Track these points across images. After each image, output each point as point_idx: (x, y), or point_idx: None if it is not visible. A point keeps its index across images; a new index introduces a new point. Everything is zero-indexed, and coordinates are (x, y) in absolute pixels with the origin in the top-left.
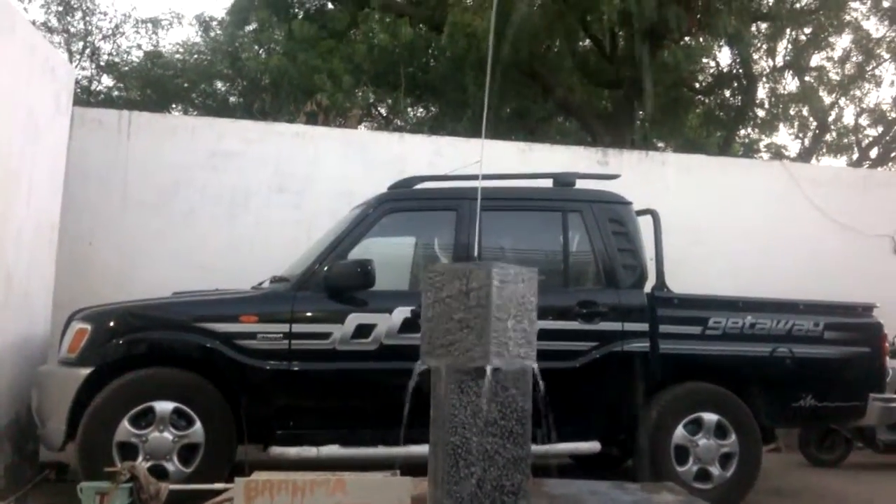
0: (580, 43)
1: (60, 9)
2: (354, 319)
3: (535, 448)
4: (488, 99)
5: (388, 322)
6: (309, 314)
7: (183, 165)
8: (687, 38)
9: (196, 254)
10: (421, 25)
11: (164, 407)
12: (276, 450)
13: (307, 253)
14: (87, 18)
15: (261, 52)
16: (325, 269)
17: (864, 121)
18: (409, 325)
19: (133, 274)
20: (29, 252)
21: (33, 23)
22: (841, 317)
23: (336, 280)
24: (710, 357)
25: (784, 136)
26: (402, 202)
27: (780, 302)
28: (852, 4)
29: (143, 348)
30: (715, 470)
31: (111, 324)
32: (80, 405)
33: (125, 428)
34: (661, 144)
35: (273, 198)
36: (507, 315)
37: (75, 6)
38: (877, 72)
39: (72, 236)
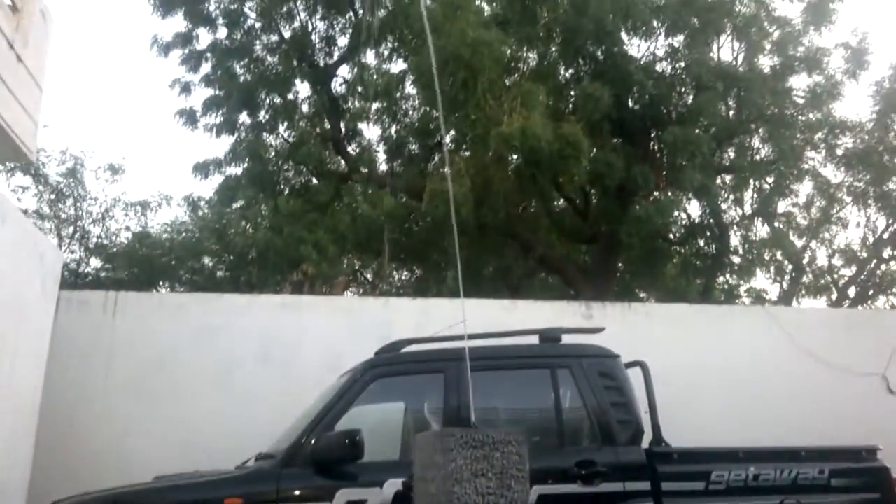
0: (554, 202)
1: (52, 197)
2: (343, 496)
3: None
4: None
5: (379, 497)
6: (296, 493)
7: (168, 343)
8: (656, 193)
9: (181, 432)
10: (401, 194)
11: None
12: None
13: (293, 426)
14: (78, 204)
15: (247, 226)
16: (312, 442)
17: (837, 261)
18: (401, 499)
19: (115, 454)
20: (8, 440)
21: (25, 211)
22: (845, 462)
23: (323, 454)
24: None
25: (762, 281)
26: (389, 367)
27: (782, 450)
28: (808, 154)
29: None
30: None
31: None
32: None
33: None
34: (642, 294)
35: (259, 368)
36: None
37: (67, 193)
38: (841, 214)
39: (52, 416)
